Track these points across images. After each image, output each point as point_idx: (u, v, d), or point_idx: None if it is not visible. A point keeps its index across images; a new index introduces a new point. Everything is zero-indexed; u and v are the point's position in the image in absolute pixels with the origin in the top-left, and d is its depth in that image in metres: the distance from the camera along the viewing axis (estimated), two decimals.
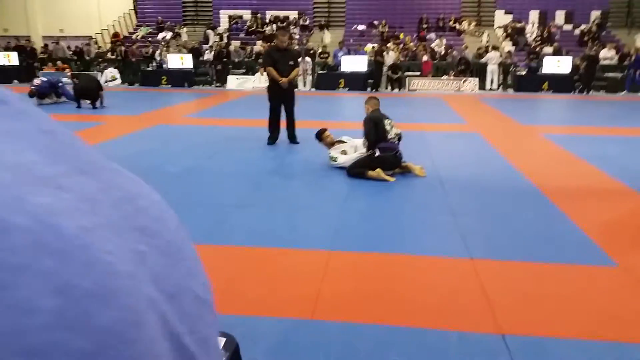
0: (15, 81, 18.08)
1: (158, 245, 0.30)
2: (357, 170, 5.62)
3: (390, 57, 16.82)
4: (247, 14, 23.22)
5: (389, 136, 5.67)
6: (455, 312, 2.83)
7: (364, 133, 5.79)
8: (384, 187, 5.34)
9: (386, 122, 5.77)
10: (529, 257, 3.54)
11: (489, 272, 3.29)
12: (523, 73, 16.74)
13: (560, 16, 21.85)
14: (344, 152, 6.02)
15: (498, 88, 17.25)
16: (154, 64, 18.53)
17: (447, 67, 17.93)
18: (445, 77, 17.38)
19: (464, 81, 16.94)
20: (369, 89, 16.51)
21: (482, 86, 17.00)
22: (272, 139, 7.66)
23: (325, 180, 5.64)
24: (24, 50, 19.66)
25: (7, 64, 18.49)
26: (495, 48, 17.58)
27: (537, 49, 18.79)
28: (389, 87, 16.90)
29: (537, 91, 16.09)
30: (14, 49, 19.55)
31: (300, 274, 3.32)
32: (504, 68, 17.31)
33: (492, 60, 17.05)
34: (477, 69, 17.50)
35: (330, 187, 5.36)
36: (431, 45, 19.43)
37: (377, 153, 5.58)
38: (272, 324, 2.72)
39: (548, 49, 18.20)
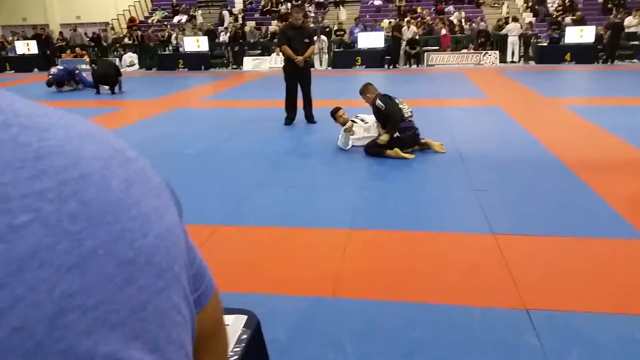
0: (36, 69, 18.31)
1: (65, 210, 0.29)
2: (376, 150, 5.56)
3: (408, 32, 16.52)
4: None
5: (405, 115, 5.58)
6: (478, 288, 2.80)
7: (386, 114, 5.54)
8: (403, 165, 5.28)
9: (397, 101, 5.65)
10: (552, 231, 3.48)
11: (512, 247, 3.24)
12: (545, 44, 16.31)
13: None
14: (349, 127, 5.83)
15: (519, 60, 16.85)
16: (171, 48, 18.55)
17: (467, 40, 17.56)
18: (464, 50, 17.04)
19: (484, 54, 16.59)
20: (386, 65, 16.29)
21: (502, 59, 16.64)
22: (289, 119, 7.62)
23: (343, 159, 5.61)
24: (42, 38, 19.85)
25: (27, 52, 18.71)
26: (515, 19, 17.13)
27: (559, 18, 18.25)
28: (407, 63, 16.65)
29: (560, 62, 15.67)
30: (32, 38, 19.75)
31: (320, 253, 3.32)
32: (525, 39, 16.88)
33: (513, 31, 16.64)
34: (497, 42, 17.11)
35: (349, 166, 5.33)
36: (450, 19, 19.02)
37: (396, 134, 5.49)
38: (294, 302, 2.73)
39: (570, 19, 17.67)
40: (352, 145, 5.92)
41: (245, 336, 1.39)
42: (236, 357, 1.30)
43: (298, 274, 3.06)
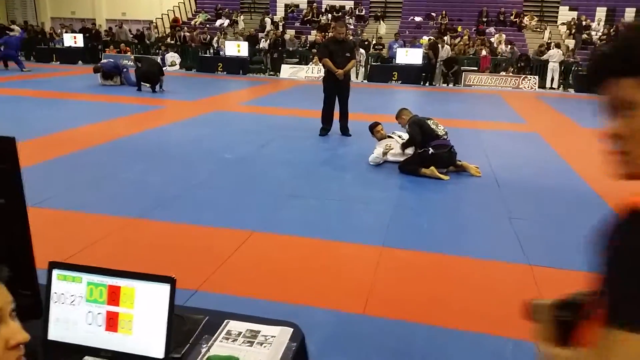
0: (80, 62, 18.87)
1: None
2: (411, 168, 5.58)
3: (443, 51, 16.47)
4: (303, 3, 23.24)
5: (439, 133, 5.61)
6: (512, 319, 2.77)
7: (410, 136, 5.76)
8: (438, 185, 5.27)
9: (430, 122, 5.73)
10: (590, 268, 3.42)
11: (548, 280, 3.21)
12: (586, 73, 16.01)
13: (630, 13, 20.72)
14: (388, 148, 5.93)
15: (558, 87, 16.61)
16: (211, 51, 18.89)
17: (506, 63, 17.40)
18: (503, 73, 16.88)
19: (523, 78, 16.41)
20: (422, 82, 16.27)
21: (541, 84, 16.42)
22: (325, 130, 7.69)
23: (378, 174, 5.63)
24: (89, 32, 20.46)
25: (73, 45, 19.30)
26: (557, 45, 16.90)
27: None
28: (445, 82, 16.59)
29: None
30: (80, 32, 20.37)
31: (352, 268, 3.35)
32: (566, 66, 16.63)
33: (554, 57, 16.42)
34: (536, 67, 16.90)
35: (383, 182, 5.34)
36: (490, 40, 18.89)
37: (431, 151, 5.51)
38: (325, 315, 2.76)
39: None
40: (387, 161, 5.94)
41: (291, 349, 1.43)
42: None
43: (329, 287, 3.09)
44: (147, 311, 1.29)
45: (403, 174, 5.56)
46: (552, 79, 16.55)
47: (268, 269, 3.29)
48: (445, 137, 5.64)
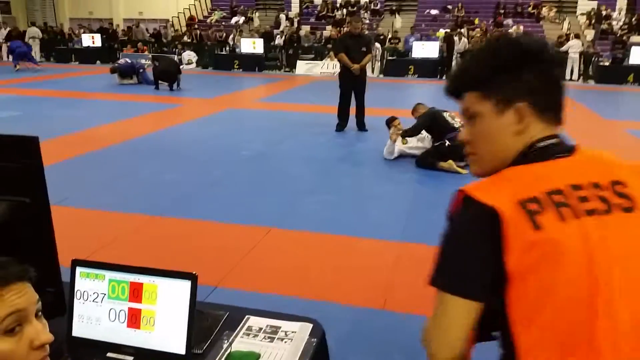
0: (98, 62, 19.10)
1: None
2: (429, 161, 5.54)
3: (460, 44, 16.29)
4: None
5: (456, 126, 5.56)
6: None
7: (415, 124, 5.80)
8: (456, 179, 5.22)
9: (445, 114, 5.70)
10: None
11: None
12: (607, 63, 15.73)
13: None
14: (404, 142, 5.93)
15: (578, 79, 16.33)
16: (227, 48, 18.97)
17: None
18: None
19: None
20: (438, 76, 16.13)
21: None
22: (341, 126, 7.67)
23: (395, 169, 5.60)
24: (107, 32, 20.69)
25: (91, 45, 19.54)
26: (577, 36, 16.60)
27: (624, 37, 17.57)
28: None
29: (621, 83, 15.08)
30: (97, 32, 20.61)
31: (370, 264, 3.34)
32: (586, 58, 16.33)
33: (573, 48, 16.12)
34: None
35: (400, 177, 5.31)
36: (508, 31, 18.64)
37: (447, 143, 5.47)
38: (344, 311, 2.76)
39: (636, 38, 16.98)
40: (402, 155, 5.90)
41: (312, 344, 1.43)
42: None
43: (348, 282, 3.09)
44: (169, 308, 1.30)
45: (420, 169, 5.52)
46: (572, 71, 16.27)
47: (286, 265, 3.30)
48: (462, 128, 5.59)
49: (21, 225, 1.35)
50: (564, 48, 16.44)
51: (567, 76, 16.20)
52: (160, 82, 11.92)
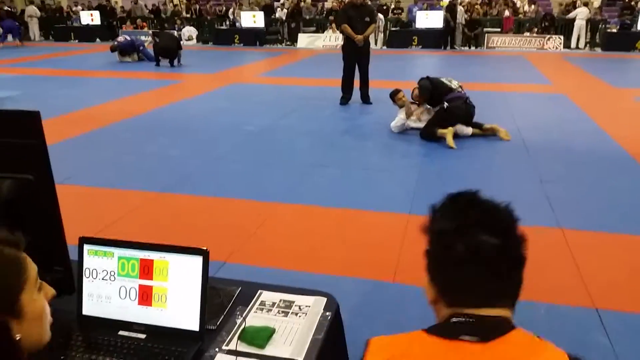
0: (98, 39, 18.88)
1: None
2: (429, 130, 5.47)
3: (459, 13, 15.93)
4: None
5: (452, 86, 5.49)
6: (544, 283, 2.73)
7: (420, 85, 5.74)
8: (463, 151, 5.16)
9: (443, 79, 5.67)
10: (623, 229, 3.33)
11: (581, 243, 3.13)
12: (614, 30, 15.42)
13: None
14: (412, 111, 5.84)
15: (585, 47, 16.03)
16: (227, 23, 18.69)
17: (530, 23, 16.84)
18: (527, 34, 16.36)
19: (548, 38, 15.88)
20: (443, 46, 15.86)
21: (566, 44, 15.87)
22: (345, 99, 7.58)
23: (400, 142, 5.54)
24: (105, 9, 20.38)
25: (90, 23, 19.29)
26: (585, 4, 16.23)
27: (632, 2, 17.18)
28: (467, 45, 16.15)
29: (629, 50, 14.79)
30: (95, 9, 20.31)
31: (379, 237, 3.31)
32: (592, 25, 16.01)
33: (581, 15, 15.78)
34: (562, 26, 16.32)
35: (406, 150, 5.25)
36: (513, 0, 18.26)
37: (446, 105, 5.40)
38: (354, 284, 2.74)
39: None
40: (409, 128, 5.83)
41: (327, 318, 1.41)
42: (320, 337, 1.32)
43: (358, 256, 3.07)
44: (181, 284, 1.27)
45: (426, 141, 5.44)
46: (578, 38, 15.96)
47: (295, 240, 3.27)
48: (460, 90, 5.53)
49: (26, 203, 1.32)
50: (570, 15, 16.13)
51: (573, 44, 15.91)
52: (161, 58, 11.77)
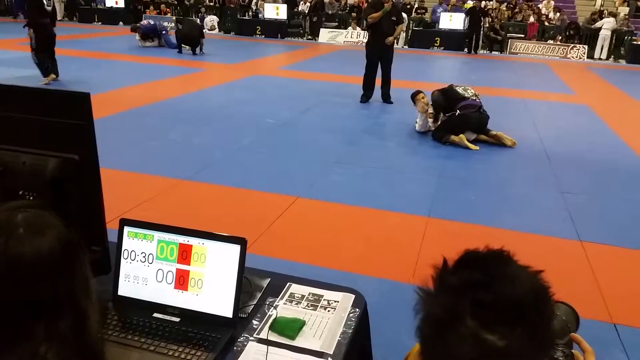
0: (121, 23, 18.99)
1: None
2: (440, 134, 5.47)
3: (485, 20, 15.74)
4: None
5: (467, 95, 5.45)
6: (562, 295, 2.71)
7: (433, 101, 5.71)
8: (485, 156, 5.14)
9: (458, 88, 5.61)
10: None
11: (601, 258, 3.12)
12: None
13: None
14: (431, 116, 5.83)
15: (607, 58, 15.82)
16: (250, 14, 18.71)
17: (555, 31, 16.65)
18: (551, 42, 16.19)
19: (572, 47, 15.70)
20: (465, 49, 15.73)
21: (590, 54, 15.68)
22: (366, 97, 7.57)
23: (421, 143, 5.53)
24: None
25: (114, 6, 19.41)
26: (612, 14, 15.99)
27: None
28: (489, 49, 16.00)
29: None
30: None
31: (398, 237, 3.32)
32: (618, 36, 15.78)
33: (607, 25, 15.55)
34: (586, 35, 16.12)
35: (426, 152, 5.25)
36: (538, 6, 18.07)
37: (458, 112, 5.37)
38: (373, 283, 2.75)
39: None
40: (430, 130, 5.82)
41: (355, 314, 1.43)
42: (349, 332, 1.34)
43: (376, 255, 3.08)
44: (217, 271, 1.29)
45: (444, 144, 5.43)
46: (602, 49, 15.75)
47: (314, 235, 3.29)
48: (474, 97, 5.49)
49: (70, 182, 1.35)
50: (597, 25, 15.91)
51: (596, 54, 15.70)
52: (183, 45, 11.82)
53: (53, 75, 7.75)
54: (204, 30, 13.36)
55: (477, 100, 5.49)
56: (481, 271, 0.67)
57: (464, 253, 0.72)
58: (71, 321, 0.79)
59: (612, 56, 15.88)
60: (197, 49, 11.83)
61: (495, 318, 0.62)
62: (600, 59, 15.63)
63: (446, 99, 5.56)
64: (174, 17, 13.82)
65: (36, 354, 0.75)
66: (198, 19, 17.36)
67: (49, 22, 7.71)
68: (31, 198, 1.35)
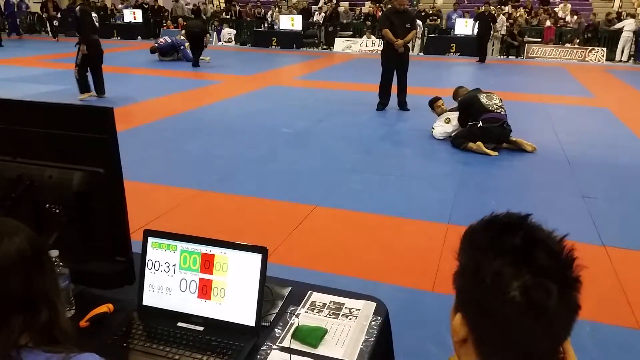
0: (139, 37, 19.33)
1: None
2: (458, 141, 5.43)
3: (499, 22, 15.60)
4: None
5: (491, 108, 5.38)
6: (587, 302, 2.66)
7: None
8: (504, 162, 5.10)
9: (482, 95, 5.49)
10: None
11: (625, 262, 3.06)
12: None
13: None
14: (447, 121, 5.80)
15: (628, 60, 15.59)
16: (266, 25, 18.89)
17: (572, 34, 16.48)
18: (568, 45, 16.01)
19: (590, 50, 15.51)
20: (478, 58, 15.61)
21: (609, 57, 15.46)
22: (382, 105, 7.57)
23: (438, 150, 5.50)
24: (155, 8, 20.87)
25: (132, 21, 19.77)
26: (632, 15, 15.74)
27: None
28: (505, 54, 15.88)
29: None
30: (139, 7, 20.81)
31: (418, 245, 3.31)
32: (637, 38, 15.55)
33: (628, 27, 15.31)
34: (605, 38, 15.91)
35: (444, 158, 5.22)
36: (554, 9, 17.92)
37: (480, 124, 5.31)
38: (393, 291, 2.74)
39: None
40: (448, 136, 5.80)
41: (377, 323, 1.42)
42: (371, 340, 1.33)
43: (396, 263, 3.07)
44: (239, 280, 1.31)
45: (463, 150, 5.40)
46: (622, 51, 15.51)
47: (332, 243, 3.30)
48: (499, 110, 5.40)
49: (95, 195, 1.38)
50: (617, 26, 15.69)
51: (617, 57, 15.49)
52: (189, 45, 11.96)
53: (91, 93, 7.83)
54: (220, 43, 13.48)
55: (502, 112, 5.39)
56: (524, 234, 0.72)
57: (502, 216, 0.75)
58: (47, 314, 0.89)
59: (632, 58, 15.64)
60: (199, 59, 11.92)
61: (544, 275, 0.67)
62: (621, 61, 15.41)
63: (472, 109, 5.46)
64: (183, 31, 13.93)
65: (16, 342, 0.85)
66: (215, 32, 17.56)
67: (98, 39, 7.84)
68: (57, 211, 1.39)
